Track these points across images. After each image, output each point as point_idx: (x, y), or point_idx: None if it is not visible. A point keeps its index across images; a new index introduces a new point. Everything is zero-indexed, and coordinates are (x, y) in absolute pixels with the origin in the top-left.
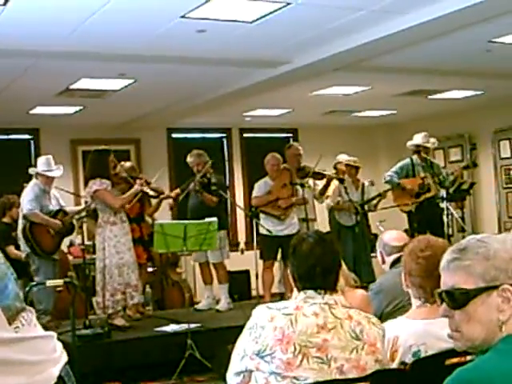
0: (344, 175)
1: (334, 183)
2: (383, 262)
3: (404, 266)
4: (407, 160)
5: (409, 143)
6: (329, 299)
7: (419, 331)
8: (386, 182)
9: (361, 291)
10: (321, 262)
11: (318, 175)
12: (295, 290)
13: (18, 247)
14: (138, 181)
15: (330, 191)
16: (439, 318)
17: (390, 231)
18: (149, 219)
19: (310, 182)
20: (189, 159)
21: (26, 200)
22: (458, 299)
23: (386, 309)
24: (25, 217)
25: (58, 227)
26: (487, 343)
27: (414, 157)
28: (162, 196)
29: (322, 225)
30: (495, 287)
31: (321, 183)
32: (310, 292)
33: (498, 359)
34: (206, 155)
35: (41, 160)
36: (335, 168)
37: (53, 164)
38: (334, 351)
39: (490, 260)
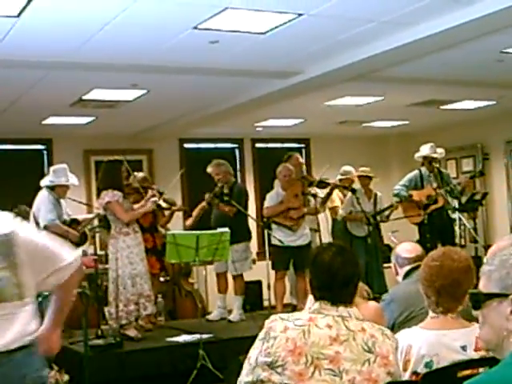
0: (350, 186)
1: (338, 193)
2: (396, 273)
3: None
4: (416, 172)
5: (416, 155)
6: (343, 311)
7: (432, 341)
8: (395, 196)
9: (374, 303)
10: (341, 273)
11: (322, 184)
12: (310, 298)
13: None
14: (149, 191)
15: (337, 201)
16: (453, 329)
17: (404, 243)
18: (162, 230)
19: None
20: (209, 169)
21: (45, 210)
22: (473, 301)
23: (398, 319)
24: (45, 227)
25: (76, 238)
26: (501, 349)
27: (423, 168)
28: (174, 208)
29: (323, 235)
30: (506, 295)
31: (322, 192)
32: (326, 303)
33: (505, 372)
34: (226, 165)
35: (59, 171)
36: (340, 181)
37: (69, 173)
38: (346, 363)
39: (507, 268)
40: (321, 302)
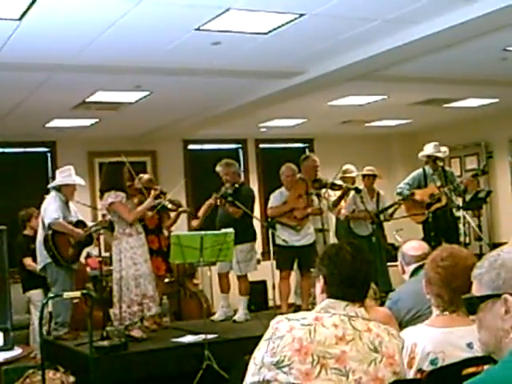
0: (352, 185)
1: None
2: (403, 271)
3: (425, 274)
4: (419, 170)
5: (420, 154)
6: (350, 311)
7: (438, 339)
8: (398, 194)
9: (383, 309)
10: (363, 271)
11: (336, 186)
12: (321, 296)
13: (35, 259)
14: (152, 191)
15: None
16: (459, 326)
17: (410, 241)
18: (166, 231)
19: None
20: (218, 168)
21: (50, 209)
22: (468, 306)
23: (405, 317)
24: (49, 226)
25: (81, 237)
26: (500, 350)
27: (427, 167)
28: (180, 209)
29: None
30: (499, 296)
31: (334, 194)
32: (335, 301)
33: (505, 371)
34: (235, 165)
35: (64, 171)
36: (342, 179)
37: (74, 173)
38: (352, 363)
39: (496, 269)
40: (334, 300)
